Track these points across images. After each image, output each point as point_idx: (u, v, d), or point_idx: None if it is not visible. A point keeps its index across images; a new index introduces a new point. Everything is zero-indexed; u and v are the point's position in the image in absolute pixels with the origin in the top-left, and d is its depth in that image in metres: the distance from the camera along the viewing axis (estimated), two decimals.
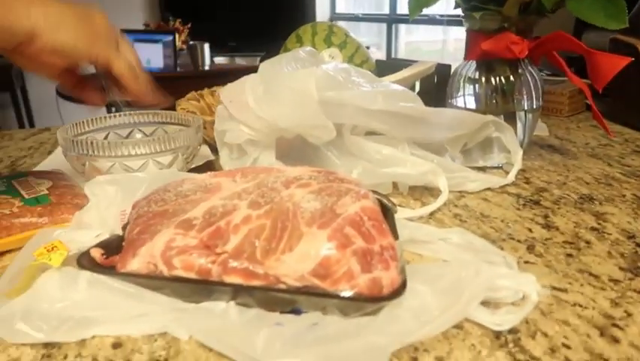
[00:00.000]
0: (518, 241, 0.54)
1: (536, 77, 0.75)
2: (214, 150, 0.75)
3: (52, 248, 0.47)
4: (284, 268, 0.38)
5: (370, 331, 0.35)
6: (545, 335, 0.39)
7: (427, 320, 0.37)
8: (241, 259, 0.39)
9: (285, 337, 0.34)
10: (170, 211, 0.43)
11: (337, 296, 0.37)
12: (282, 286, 0.39)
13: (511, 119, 0.74)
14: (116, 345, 0.38)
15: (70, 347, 0.38)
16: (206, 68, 2.84)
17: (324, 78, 0.55)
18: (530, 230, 0.56)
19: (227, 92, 0.58)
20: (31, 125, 3.56)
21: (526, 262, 0.49)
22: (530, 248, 0.52)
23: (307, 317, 0.38)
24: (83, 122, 0.66)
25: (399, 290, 0.39)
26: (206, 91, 0.89)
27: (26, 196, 0.59)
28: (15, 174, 0.67)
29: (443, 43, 3.56)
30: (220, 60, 3.30)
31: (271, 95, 0.53)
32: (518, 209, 0.62)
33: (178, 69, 2.72)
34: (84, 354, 0.37)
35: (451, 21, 3.01)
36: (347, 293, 0.37)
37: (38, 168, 0.77)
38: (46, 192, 0.60)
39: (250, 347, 0.33)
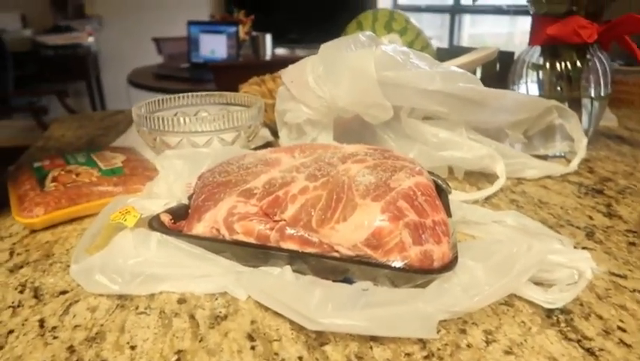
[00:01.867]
0: (577, 227, 0.53)
1: (605, 64, 0.72)
2: (274, 133, 0.78)
3: (127, 212, 0.52)
4: (338, 236, 0.40)
5: (419, 300, 0.36)
6: (600, 317, 0.38)
7: (476, 294, 0.37)
8: (297, 226, 0.41)
9: (337, 299, 0.35)
10: (232, 182, 0.46)
11: (388, 266, 0.39)
12: (336, 255, 0.40)
13: (575, 107, 0.72)
14: (181, 301, 0.41)
15: (141, 299, 0.42)
16: (267, 58, 2.90)
17: (383, 58, 0.55)
18: (591, 218, 0.55)
19: (288, 73, 0.60)
20: (104, 110, 3.79)
21: (584, 248, 0.48)
22: (589, 235, 0.51)
23: (359, 285, 0.40)
24: (154, 101, 0.70)
25: (449, 264, 0.39)
26: (267, 76, 0.92)
27: (103, 168, 0.64)
28: (93, 148, 0.73)
29: (509, 35, 3.43)
30: (281, 51, 3.35)
31: (331, 74, 0.54)
32: (579, 197, 0.60)
33: (240, 59, 2.79)
34: (153, 306, 0.41)
35: (518, 11, 2.90)
36: (398, 264, 0.39)
37: (113, 145, 0.83)
38: (121, 164, 0.65)
39: (304, 306, 0.35)
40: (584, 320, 0.38)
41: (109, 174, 0.62)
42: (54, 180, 0.61)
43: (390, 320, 0.34)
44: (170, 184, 0.58)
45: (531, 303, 0.39)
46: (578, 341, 0.36)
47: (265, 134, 0.81)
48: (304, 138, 0.63)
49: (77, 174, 0.62)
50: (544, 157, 0.73)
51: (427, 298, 0.37)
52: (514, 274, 0.36)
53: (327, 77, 0.55)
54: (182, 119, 0.61)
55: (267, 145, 0.78)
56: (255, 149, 0.76)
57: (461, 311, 0.36)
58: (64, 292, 0.43)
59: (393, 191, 0.41)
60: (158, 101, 0.70)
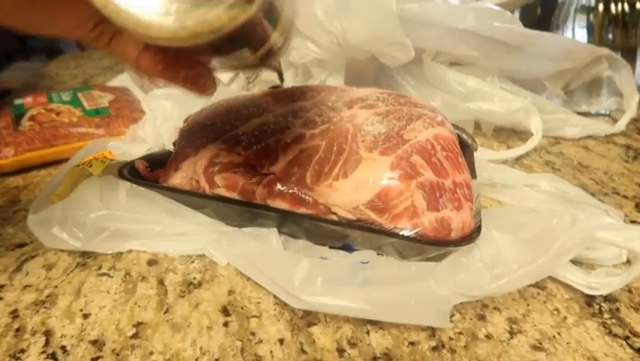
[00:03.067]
0: (624, 196, 0.45)
1: None
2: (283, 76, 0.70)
3: (103, 157, 0.45)
4: (336, 196, 0.33)
5: (430, 278, 0.29)
6: None
7: (502, 274, 0.30)
8: (289, 182, 0.34)
9: (328, 272, 0.29)
10: (218, 125, 0.39)
11: (395, 235, 0.32)
12: (333, 218, 0.33)
13: (630, 57, 0.62)
14: (152, 262, 0.35)
15: (106, 258, 0.36)
16: None
17: None
18: None
19: None
20: None
21: (632, 222, 0.41)
22: (639, 206, 0.43)
23: (359, 255, 0.33)
24: None
25: (471, 236, 0.32)
26: None
27: (87, 107, 0.58)
28: (81, 87, 0.66)
29: None
30: None
31: (343, 6, 0.46)
32: (627, 161, 0.52)
33: None
34: (118, 267, 0.35)
35: None
36: (407, 232, 0.32)
37: (108, 84, 0.76)
38: (107, 104, 0.59)
39: (288, 279, 0.28)
40: (633, 311, 0.31)
41: (92, 115, 0.56)
42: (31, 118, 0.55)
43: (392, 302, 0.28)
44: (157, 127, 0.52)
45: (567, 286, 0.32)
46: (626, 338, 0.29)
47: (271, 77, 0.73)
48: (312, 81, 0.55)
49: (58, 113, 0.56)
50: (586, 114, 0.64)
51: (441, 275, 0.30)
52: (553, 253, 0.28)
53: (339, 8, 0.46)
54: None
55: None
56: None
57: (482, 295, 0.29)
58: (21, 245, 0.38)
59: (406, 143, 0.33)
60: None
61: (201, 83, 0.29)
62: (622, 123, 0.59)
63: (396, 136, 0.34)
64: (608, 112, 0.65)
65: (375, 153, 0.33)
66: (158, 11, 0.20)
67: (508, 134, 0.58)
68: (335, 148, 0.34)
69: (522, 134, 0.58)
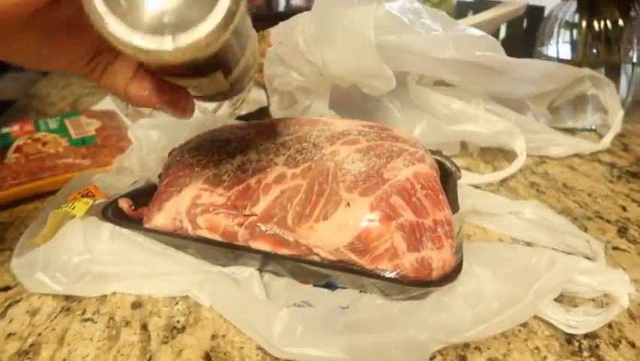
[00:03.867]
0: (607, 220, 0.45)
1: None
2: None
3: (87, 193, 0.45)
4: (317, 238, 0.33)
5: (412, 321, 0.30)
6: (632, 345, 0.31)
7: (483, 314, 0.31)
8: (270, 223, 0.34)
9: (308, 320, 0.29)
10: (201, 163, 0.39)
11: (376, 276, 0.32)
12: (315, 258, 0.34)
13: (613, 72, 0.63)
14: (136, 305, 0.35)
15: (91, 302, 0.36)
16: (281, 9, 2.76)
17: (386, 19, 0.47)
18: (624, 208, 0.47)
19: (277, 32, 0.52)
20: None
21: (615, 248, 0.41)
22: (622, 231, 0.43)
23: (340, 296, 0.34)
24: None
25: (451, 275, 0.32)
26: (267, 32, 0.83)
27: (74, 136, 0.58)
28: (69, 113, 0.66)
29: None
30: (297, 2, 3.19)
31: (323, 36, 0.46)
32: (611, 181, 0.52)
33: (250, 10, 2.65)
34: (102, 311, 0.35)
35: None
36: (388, 274, 0.32)
37: (95, 107, 0.76)
38: (94, 132, 0.59)
39: (268, 330, 0.28)
40: (612, 348, 0.31)
41: (78, 144, 0.56)
42: (17, 150, 0.55)
43: (372, 351, 0.28)
44: (143, 158, 0.52)
45: (548, 322, 0.33)
46: None
47: (260, 96, 0.73)
48: (297, 107, 0.55)
49: (44, 144, 0.56)
50: (572, 130, 0.65)
51: (423, 317, 0.30)
52: (533, 296, 0.29)
53: (319, 39, 0.46)
54: None
55: (260, 111, 0.70)
56: (247, 115, 0.69)
57: (461, 341, 0.30)
58: (6, 289, 0.38)
59: (386, 183, 0.34)
60: None
61: (181, 105, 0.32)
62: (607, 140, 0.59)
63: (376, 175, 0.34)
64: (594, 127, 0.65)
65: (355, 194, 0.33)
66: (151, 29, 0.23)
67: (495, 153, 0.59)
68: (316, 188, 0.34)
69: (508, 154, 0.58)
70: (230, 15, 0.23)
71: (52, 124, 0.61)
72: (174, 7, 0.23)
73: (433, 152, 0.45)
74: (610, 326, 0.32)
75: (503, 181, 0.53)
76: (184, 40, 0.23)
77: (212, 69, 0.30)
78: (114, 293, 0.36)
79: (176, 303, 0.36)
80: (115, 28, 0.23)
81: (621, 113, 0.60)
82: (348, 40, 0.45)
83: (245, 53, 0.32)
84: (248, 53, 0.32)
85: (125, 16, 0.23)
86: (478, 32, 0.52)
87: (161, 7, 0.23)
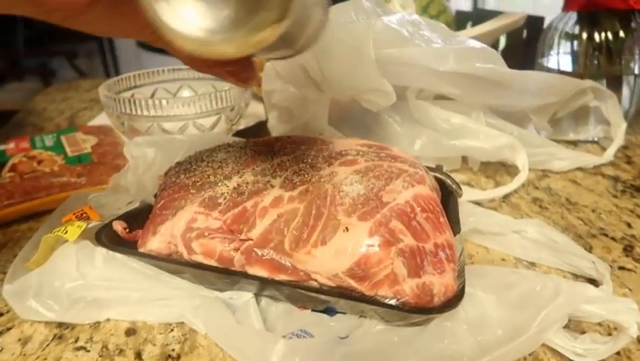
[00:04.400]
0: (613, 238, 0.44)
1: None
2: None
3: (82, 215, 0.45)
4: (315, 263, 0.32)
5: (412, 352, 0.29)
6: None
7: (488, 342, 0.30)
8: (267, 248, 0.33)
9: (306, 352, 0.28)
10: (197, 184, 0.39)
11: (376, 303, 0.31)
12: (313, 284, 0.33)
13: (615, 84, 0.62)
14: (130, 331, 0.35)
15: (84, 329, 0.35)
16: None
17: (386, 32, 0.46)
18: (629, 225, 0.46)
19: None
20: (117, 73, 3.69)
21: (621, 268, 0.40)
22: (628, 249, 0.42)
23: (339, 323, 0.33)
24: (130, 76, 0.62)
25: (453, 300, 0.32)
26: None
27: (69, 154, 0.57)
28: (65, 130, 0.65)
29: None
30: None
31: (321, 51, 0.45)
32: (615, 196, 0.51)
33: None
34: (95, 339, 0.34)
35: None
36: (388, 301, 0.31)
37: (92, 122, 0.76)
38: (89, 150, 0.58)
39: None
40: None
41: (74, 162, 0.55)
42: (12, 168, 0.54)
43: None
44: (139, 176, 0.51)
45: (554, 350, 0.32)
46: None
47: (258, 110, 0.73)
48: (295, 122, 0.54)
49: (40, 162, 0.55)
50: (574, 143, 0.64)
51: (424, 346, 0.30)
52: (537, 328, 0.28)
53: (318, 54, 0.46)
54: (155, 102, 0.53)
55: (259, 125, 0.70)
56: (245, 130, 0.68)
57: None
58: None
59: (385, 207, 0.33)
60: (134, 76, 0.62)
61: (243, 76, 0.33)
62: (610, 152, 0.58)
63: (375, 198, 0.33)
64: (596, 139, 0.64)
65: (353, 218, 0.32)
66: (205, 29, 0.25)
67: (496, 168, 0.58)
68: (314, 212, 0.34)
69: (510, 168, 0.57)
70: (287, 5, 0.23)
71: (48, 141, 0.61)
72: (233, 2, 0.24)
73: (433, 169, 0.44)
74: (618, 353, 0.31)
75: (505, 197, 0.52)
76: (243, 37, 0.24)
77: (277, 47, 0.29)
78: (108, 320, 0.36)
79: (172, 330, 0.35)
80: (172, 25, 0.24)
81: (624, 125, 0.59)
82: (347, 56, 0.44)
83: (311, 21, 0.30)
84: (314, 19, 0.30)
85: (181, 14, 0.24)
86: (478, 44, 0.51)
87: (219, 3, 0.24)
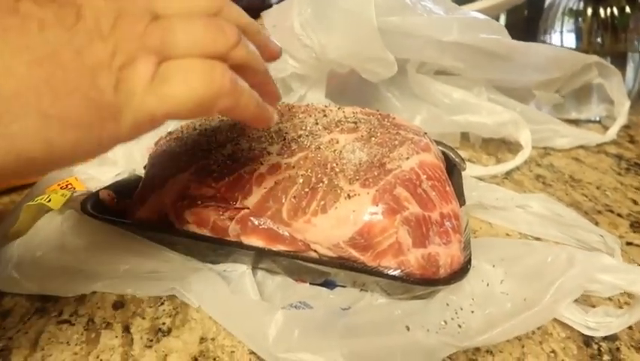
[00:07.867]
0: (619, 214, 0.43)
1: None
2: None
3: (67, 185, 0.43)
4: (315, 232, 0.30)
5: (417, 324, 0.27)
6: None
7: (495, 315, 0.28)
8: (264, 217, 0.31)
9: (306, 323, 0.26)
10: (190, 152, 0.36)
11: (379, 273, 0.29)
12: (312, 255, 0.31)
13: (619, 62, 0.60)
14: (118, 305, 0.33)
15: (68, 302, 0.33)
16: (274, 0, 2.72)
17: (388, 0, 0.44)
18: (635, 202, 0.45)
19: (271, 16, 0.49)
20: None
21: (629, 244, 0.39)
22: (635, 225, 0.41)
23: (339, 296, 0.31)
24: None
25: (460, 272, 0.30)
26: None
27: None
28: None
29: None
30: None
31: (321, 19, 0.43)
32: (619, 174, 0.50)
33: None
34: (81, 312, 0.32)
35: None
36: (392, 272, 0.29)
37: None
38: None
39: (262, 334, 0.26)
40: (634, 351, 0.29)
41: None
42: None
43: (376, 356, 0.25)
44: (128, 147, 0.48)
45: (564, 323, 0.30)
46: None
47: None
48: (291, 95, 0.52)
49: None
50: (577, 122, 0.63)
51: (429, 319, 0.28)
52: (550, 299, 0.26)
53: (317, 22, 0.43)
54: None
55: None
56: None
57: (473, 346, 0.27)
58: None
59: (390, 174, 0.31)
60: None
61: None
62: (613, 131, 0.57)
63: (379, 165, 0.32)
64: (599, 118, 0.63)
65: (356, 185, 0.31)
66: None
67: (498, 145, 0.56)
68: (313, 179, 0.32)
69: (511, 145, 0.56)
70: None
71: None
72: None
73: (436, 142, 0.43)
74: (630, 327, 0.30)
75: (508, 174, 0.50)
76: None
77: None
78: (94, 293, 0.34)
79: (162, 303, 0.33)
80: None
81: (628, 103, 0.58)
82: (347, 23, 0.42)
83: None
84: None
85: None
86: (482, 16, 0.49)
87: None
